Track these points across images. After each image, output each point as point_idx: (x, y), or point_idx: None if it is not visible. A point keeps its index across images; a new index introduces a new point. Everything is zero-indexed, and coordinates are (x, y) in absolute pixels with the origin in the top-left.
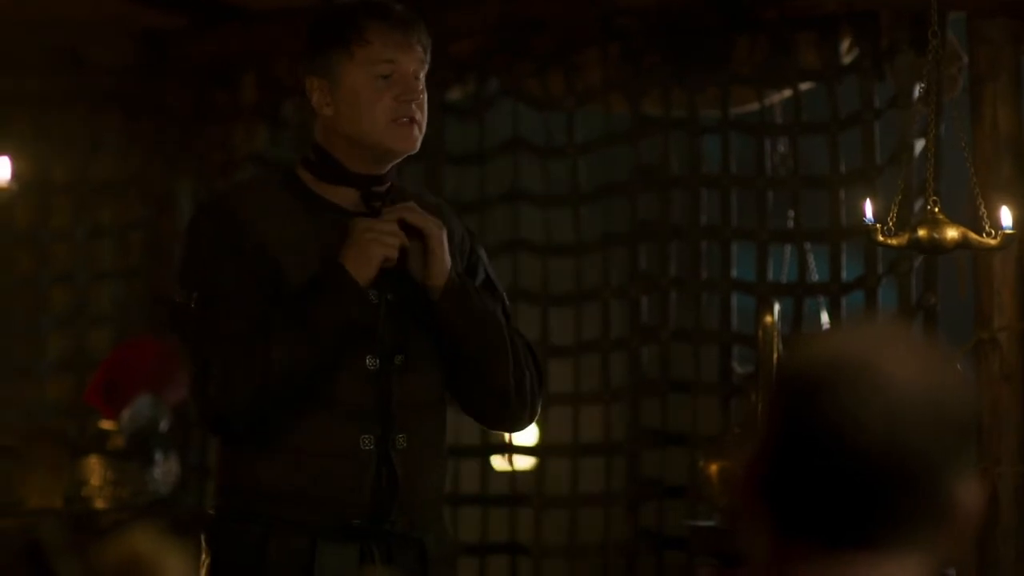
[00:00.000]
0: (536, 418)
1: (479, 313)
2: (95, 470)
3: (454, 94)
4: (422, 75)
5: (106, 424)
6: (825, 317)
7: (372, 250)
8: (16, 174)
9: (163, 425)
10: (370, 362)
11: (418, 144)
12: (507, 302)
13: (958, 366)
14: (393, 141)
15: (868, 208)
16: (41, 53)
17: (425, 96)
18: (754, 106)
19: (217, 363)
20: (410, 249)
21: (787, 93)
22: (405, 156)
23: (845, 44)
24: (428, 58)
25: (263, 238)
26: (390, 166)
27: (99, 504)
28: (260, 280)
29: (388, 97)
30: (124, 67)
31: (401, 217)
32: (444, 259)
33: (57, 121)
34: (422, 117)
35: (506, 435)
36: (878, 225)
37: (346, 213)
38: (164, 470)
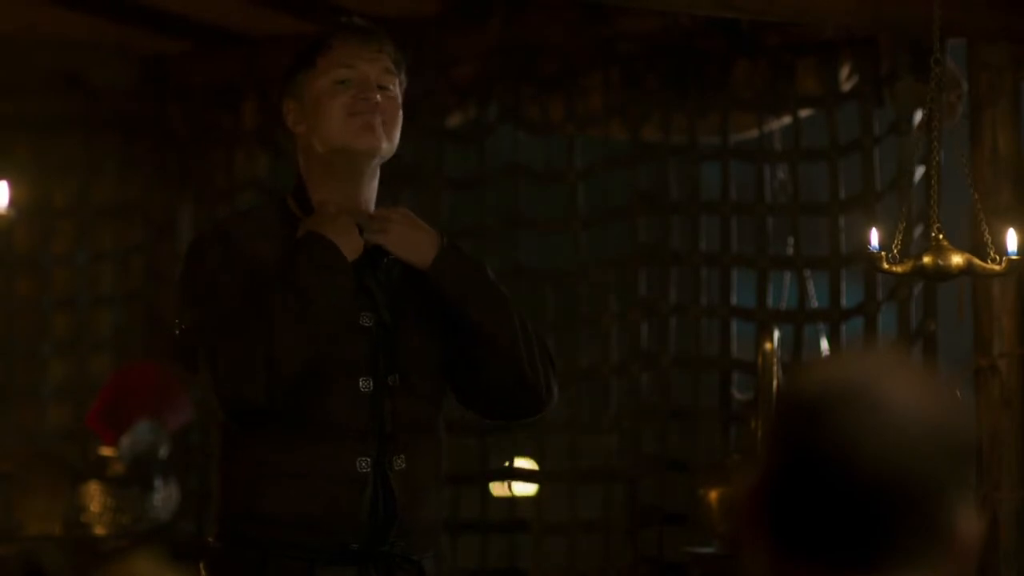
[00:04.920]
0: (553, 400)
1: (476, 272)
2: (95, 496)
3: (454, 120)
4: (392, 85)
5: (106, 450)
6: (825, 344)
7: (341, 219)
8: (16, 199)
9: (163, 451)
10: (363, 384)
11: (380, 145)
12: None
13: (958, 392)
14: (349, 138)
15: (873, 236)
16: (42, 77)
17: (394, 106)
18: (753, 133)
19: (224, 351)
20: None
21: (787, 119)
22: (373, 162)
23: (845, 70)
24: (399, 72)
25: (254, 264)
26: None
27: (99, 530)
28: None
29: (345, 96)
30: (125, 91)
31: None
32: (423, 230)
33: (58, 145)
34: (389, 124)
35: (506, 462)
36: (882, 253)
37: None
38: (164, 496)
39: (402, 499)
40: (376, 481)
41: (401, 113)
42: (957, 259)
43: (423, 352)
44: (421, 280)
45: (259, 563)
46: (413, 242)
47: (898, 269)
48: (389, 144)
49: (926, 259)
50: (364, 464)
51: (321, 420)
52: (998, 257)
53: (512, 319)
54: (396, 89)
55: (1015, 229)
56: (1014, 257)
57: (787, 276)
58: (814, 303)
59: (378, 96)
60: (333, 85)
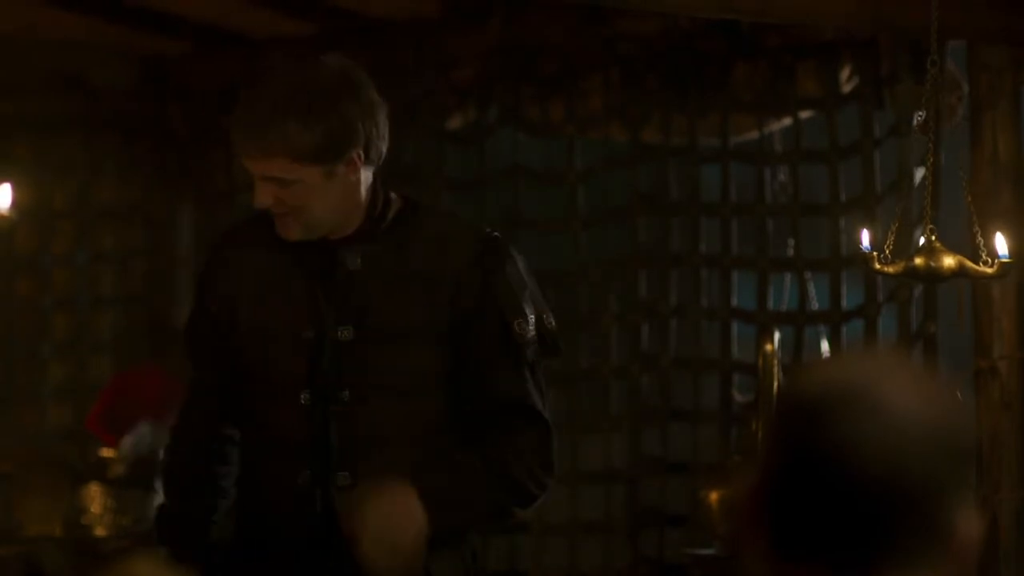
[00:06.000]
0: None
1: (461, 515)
2: (95, 498)
3: (454, 121)
4: (291, 175)
5: (107, 451)
6: (825, 345)
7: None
8: (17, 200)
9: (163, 453)
10: (304, 398)
11: (295, 236)
12: (527, 351)
13: (958, 394)
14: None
15: (865, 236)
16: (42, 78)
17: (299, 192)
18: (754, 134)
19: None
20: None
21: (787, 121)
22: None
23: (845, 72)
24: (307, 158)
25: (231, 290)
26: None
27: (100, 532)
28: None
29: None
30: (125, 92)
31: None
32: (401, 523)
33: (58, 146)
34: (299, 211)
35: None
36: (874, 253)
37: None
38: None
39: (346, 516)
40: (321, 496)
41: (320, 191)
42: (949, 261)
43: (390, 368)
44: (401, 294)
45: (241, 561)
46: (390, 545)
47: (890, 270)
48: (310, 227)
49: (918, 260)
50: (304, 478)
51: (267, 434)
52: (990, 260)
53: (502, 504)
54: (300, 174)
55: (1006, 232)
56: (1005, 260)
57: (787, 278)
58: (814, 305)
59: (270, 199)
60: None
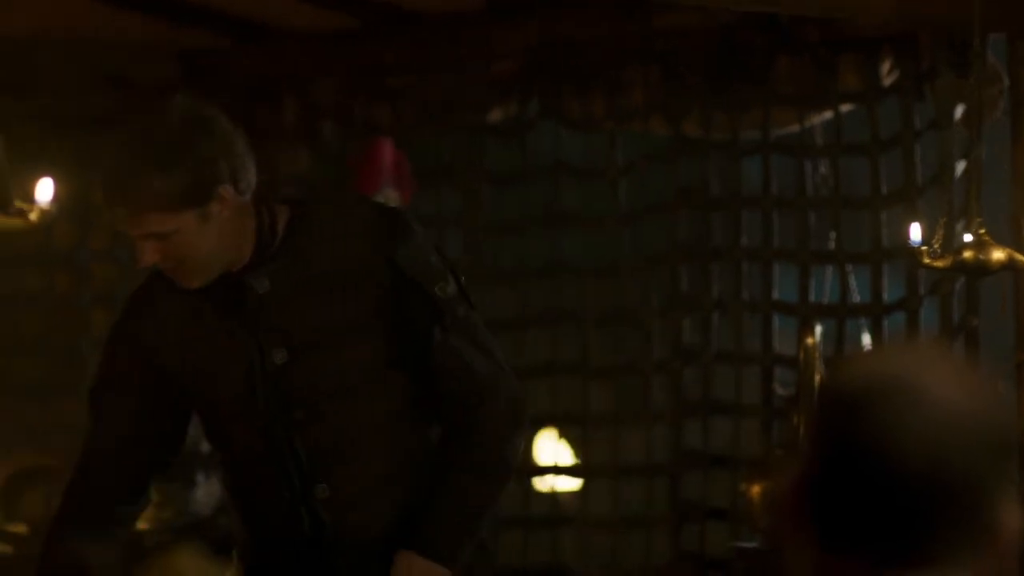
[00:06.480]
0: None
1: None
2: None
3: (495, 115)
4: (164, 228)
5: None
6: (867, 338)
7: None
8: (58, 195)
9: (204, 447)
10: (260, 429)
11: (192, 284)
12: (458, 310)
13: (999, 387)
14: None
15: (914, 230)
16: (84, 74)
17: (179, 243)
18: (795, 128)
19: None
20: None
21: (828, 114)
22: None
23: (886, 66)
24: (173, 209)
25: (152, 343)
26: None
27: (142, 525)
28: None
29: None
30: (166, 87)
31: None
32: None
33: (99, 142)
34: (185, 264)
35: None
36: (923, 248)
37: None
38: (206, 491)
39: (332, 524)
40: (305, 512)
41: (200, 234)
42: (998, 254)
43: (334, 374)
44: (317, 300)
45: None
46: None
47: (939, 264)
48: (204, 270)
49: (967, 254)
50: (286, 495)
51: (238, 459)
52: None
53: (498, 483)
54: (174, 223)
55: None
56: None
57: (829, 271)
58: (856, 298)
59: (155, 255)
60: None
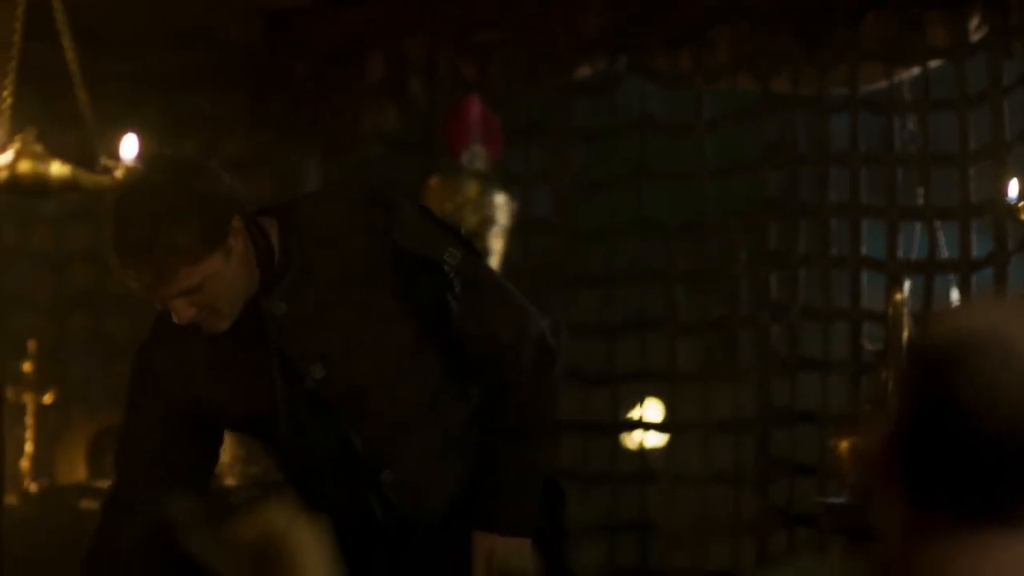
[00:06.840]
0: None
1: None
2: (225, 447)
3: (582, 71)
4: (189, 282)
5: None
6: (955, 294)
7: None
8: (144, 151)
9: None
10: (313, 445)
11: (227, 323)
12: (472, 271)
13: None
14: None
15: (1012, 187)
16: (168, 32)
17: (209, 291)
18: (882, 83)
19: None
20: None
21: (916, 70)
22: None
23: (974, 22)
24: (190, 248)
25: (180, 386)
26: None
27: (230, 481)
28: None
29: None
30: (251, 45)
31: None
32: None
33: (185, 100)
34: (216, 309)
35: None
36: (1020, 204)
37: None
38: None
39: (401, 504)
40: (375, 500)
41: (228, 273)
42: None
43: (373, 372)
44: (336, 305)
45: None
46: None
47: None
48: (232, 309)
49: None
50: (354, 489)
51: (300, 469)
52: None
53: (541, 452)
54: (205, 270)
55: None
56: None
57: (917, 227)
58: (944, 253)
59: (192, 310)
60: None
